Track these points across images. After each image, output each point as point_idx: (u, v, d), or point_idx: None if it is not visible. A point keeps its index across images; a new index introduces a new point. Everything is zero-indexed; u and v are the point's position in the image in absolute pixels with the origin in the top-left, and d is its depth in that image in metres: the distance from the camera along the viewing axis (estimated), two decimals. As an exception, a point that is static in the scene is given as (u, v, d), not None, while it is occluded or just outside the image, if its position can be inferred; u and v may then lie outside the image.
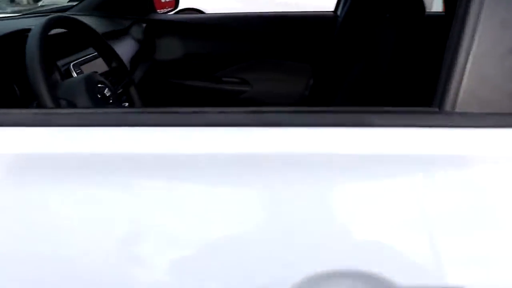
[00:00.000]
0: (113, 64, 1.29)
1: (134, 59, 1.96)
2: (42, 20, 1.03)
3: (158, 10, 2.38)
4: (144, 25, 2.16)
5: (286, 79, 2.32)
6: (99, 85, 1.11)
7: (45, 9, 2.07)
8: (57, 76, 1.26)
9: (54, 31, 1.20)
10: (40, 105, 0.90)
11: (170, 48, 2.31)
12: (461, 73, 0.69)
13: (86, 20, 1.99)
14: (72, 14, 2.03)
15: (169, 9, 2.50)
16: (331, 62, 2.25)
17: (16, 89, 1.22)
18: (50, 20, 1.03)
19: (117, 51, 1.83)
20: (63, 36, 1.38)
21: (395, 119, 0.73)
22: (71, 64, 1.38)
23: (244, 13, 2.34)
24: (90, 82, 1.08)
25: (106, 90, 1.12)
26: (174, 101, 2.41)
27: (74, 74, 1.36)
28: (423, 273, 0.72)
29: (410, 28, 1.56)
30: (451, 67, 0.70)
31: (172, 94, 2.37)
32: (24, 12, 1.96)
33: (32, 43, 0.94)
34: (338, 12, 2.26)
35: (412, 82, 1.52)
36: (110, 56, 1.28)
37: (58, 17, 1.06)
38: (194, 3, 6.44)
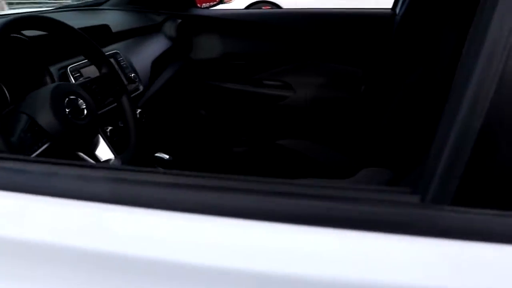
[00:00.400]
0: (103, 70, 1.12)
1: (164, 57, 1.80)
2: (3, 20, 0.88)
3: (200, 5, 2.21)
4: (179, 21, 1.99)
5: (334, 84, 2.06)
6: (71, 97, 0.94)
7: (80, 4, 1.96)
8: (48, 82, 1.13)
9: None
10: None
11: (207, 47, 2.13)
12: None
13: (115, 14, 1.87)
14: (105, 9, 1.92)
15: (213, 3, 2.32)
16: (386, 67, 1.97)
17: (6, 91, 1.10)
18: (10, 21, 0.88)
19: (144, 48, 1.70)
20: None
21: None
22: (68, 67, 1.23)
23: (290, 10, 2.11)
24: (57, 94, 0.92)
25: (80, 103, 0.96)
26: (209, 104, 2.23)
27: (72, 79, 1.21)
28: None
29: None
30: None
31: (207, 97, 2.20)
32: (56, 7, 1.86)
33: None
34: (397, 10, 1.96)
35: None
36: (99, 60, 1.12)
37: (21, 18, 0.91)
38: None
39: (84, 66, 1.29)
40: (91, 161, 0.96)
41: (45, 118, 0.88)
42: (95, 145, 1.01)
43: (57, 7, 1.94)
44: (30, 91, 0.98)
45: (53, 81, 1.13)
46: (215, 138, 2.25)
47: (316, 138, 1.94)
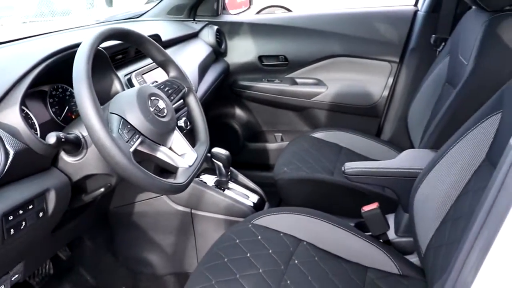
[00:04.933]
0: (171, 73, 1.25)
1: (205, 62, 1.94)
2: (92, 34, 1.00)
3: (231, 11, 2.34)
4: (215, 27, 2.13)
5: (364, 78, 2.18)
6: (152, 98, 1.07)
7: (121, 17, 2.10)
8: (117, 86, 1.25)
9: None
10: (87, 125, 0.88)
11: (241, 50, 2.26)
12: None
13: (157, 25, 2.01)
14: (145, 20, 2.05)
15: (244, 8, 2.45)
16: (413, 60, 2.08)
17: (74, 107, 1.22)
18: (100, 35, 1.00)
19: (187, 56, 1.82)
20: (125, 45, 1.37)
21: None
22: (133, 73, 1.36)
23: (317, 12, 2.23)
24: (141, 95, 1.04)
25: (159, 103, 1.08)
26: (245, 105, 2.36)
27: (136, 84, 1.34)
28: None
29: (499, 21, 1.38)
30: None
31: (244, 98, 2.33)
32: (95, 22, 2.00)
33: (79, 60, 0.92)
34: (419, 6, 2.08)
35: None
36: (168, 65, 1.24)
37: (109, 31, 1.03)
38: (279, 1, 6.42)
39: (146, 71, 1.43)
40: (173, 154, 1.08)
41: (135, 117, 1.00)
42: (172, 140, 1.13)
43: (99, 22, 2.07)
44: (104, 95, 1.09)
45: (121, 86, 1.26)
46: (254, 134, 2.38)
47: (349, 129, 2.06)
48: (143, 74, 1.40)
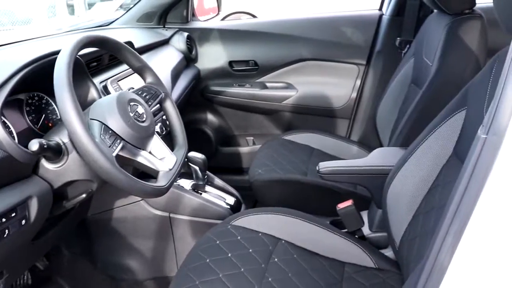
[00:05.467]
0: (148, 79, 1.27)
1: (177, 68, 1.95)
2: (71, 41, 1.01)
3: (200, 17, 2.37)
4: (186, 34, 2.15)
5: (332, 81, 2.24)
6: (131, 103, 1.08)
7: (90, 25, 2.10)
8: (94, 94, 1.26)
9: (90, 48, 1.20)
10: (70, 131, 0.89)
11: (212, 56, 2.29)
12: None
13: (129, 32, 2.02)
14: (115, 27, 2.05)
15: (213, 15, 2.48)
16: (379, 62, 2.15)
17: (56, 110, 1.22)
18: (78, 42, 1.02)
19: (159, 62, 1.84)
20: (100, 52, 1.38)
21: None
22: (109, 80, 1.37)
23: (286, 18, 2.28)
24: (121, 101, 1.06)
25: (139, 108, 1.10)
26: (217, 110, 2.38)
27: (112, 91, 1.35)
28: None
29: (460, 23, 1.45)
30: None
31: (215, 103, 2.35)
32: (66, 30, 1.99)
33: (60, 67, 0.93)
34: (384, 10, 2.16)
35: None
36: (144, 71, 1.26)
37: (87, 38, 1.05)
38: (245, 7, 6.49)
39: (120, 78, 1.44)
40: (153, 158, 1.10)
41: (115, 122, 1.01)
42: (152, 144, 1.15)
43: (67, 30, 2.06)
44: (81, 103, 1.10)
45: (98, 93, 1.26)
46: (226, 138, 2.41)
47: (320, 131, 2.11)
48: (118, 80, 1.41)
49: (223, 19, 6.21)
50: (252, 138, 2.45)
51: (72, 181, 1.04)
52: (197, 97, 2.33)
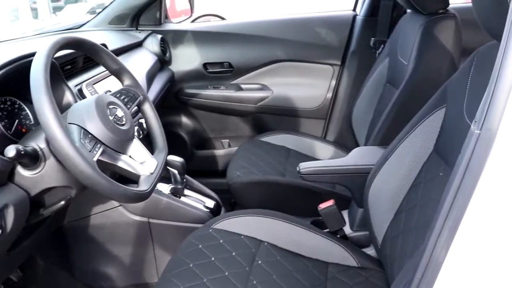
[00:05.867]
0: (126, 82, 1.24)
1: (152, 71, 1.92)
2: (47, 42, 0.98)
3: (173, 19, 2.34)
4: (159, 36, 2.12)
5: (307, 82, 2.25)
6: (110, 107, 1.05)
7: (59, 28, 2.04)
8: (69, 97, 1.22)
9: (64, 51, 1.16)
10: (49, 136, 0.86)
11: (186, 58, 2.27)
12: None
13: (101, 35, 1.98)
14: (86, 30, 2.00)
15: (186, 17, 2.46)
16: (354, 62, 2.17)
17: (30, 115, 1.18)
18: (55, 43, 0.98)
19: (133, 65, 1.80)
20: (74, 55, 1.34)
21: None
22: (84, 83, 1.33)
23: (260, 19, 2.28)
24: (100, 104, 1.03)
25: (118, 111, 1.07)
26: (192, 112, 2.36)
27: (88, 94, 1.32)
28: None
29: (435, 23, 1.48)
30: None
31: (190, 106, 2.33)
32: (38, 32, 1.93)
33: (37, 68, 0.90)
34: (357, 11, 2.18)
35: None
36: (122, 73, 1.23)
37: (64, 40, 1.01)
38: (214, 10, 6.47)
39: (97, 81, 1.40)
40: (134, 162, 1.07)
41: (95, 126, 0.98)
42: (132, 148, 1.12)
43: (38, 32, 2.01)
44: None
45: (73, 97, 1.23)
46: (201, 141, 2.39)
47: (296, 132, 2.12)
48: (93, 84, 1.38)
49: (193, 21, 6.17)
50: (227, 140, 2.44)
51: (50, 188, 1.00)
52: (172, 100, 2.30)
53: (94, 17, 2.10)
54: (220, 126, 2.40)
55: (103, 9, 2.09)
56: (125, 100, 1.18)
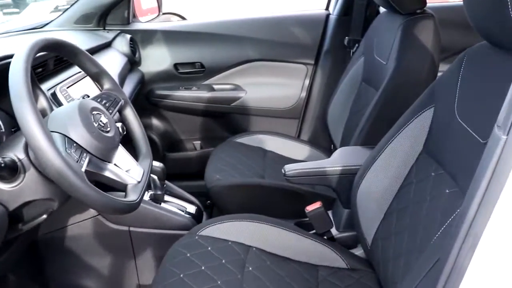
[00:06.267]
0: (106, 86, 1.18)
1: (123, 73, 1.85)
2: (24, 44, 0.91)
3: (140, 18, 2.26)
4: (128, 36, 2.05)
5: (281, 81, 2.22)
6: (94, 113, 0.99)
7: (21, 28, 1.93)
8: (43, 103, 1.15)
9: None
10: (34, 146, 0.79)
11: (156, 59, 2.20)
12: None
13: (67, 35, 1.88)
14: (51, 30, 1.91)
15: (154, 16, 2.38)
16: (328, 62, 2.17)
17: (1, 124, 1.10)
18: (34, 45, 0.92)
19: (106, 65, 1.72)
20: (45, 56, 1.27)
21: None
22: (57, 87, 1.26)
23: (232, 18, 2.24)
24: (83, 110, 0.97)
25: (102, 117, 1.01)
26: (162, 114, 2.29)
27: (62, 98, 1.24)
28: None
29: (415, 22, 1.48)
30: None
31: (161, 107, 2.26)
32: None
33: (16, 73, 0.83)
34: (331, 10, 2.17)
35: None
36: (102, 77, 1.17)
37: (43, 42, 0.95)
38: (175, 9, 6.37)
39: (71, 84, 1.33)
40: (120, 170, 1.02)
41: (79, 134, 0.92)
42: (117, 156, 1.06)
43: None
44: None
45: (48, 102, 1.15)
46: (173, 144, 2.32)
47: (270, 132, 2.10)
48: (67, 87, 1.30)
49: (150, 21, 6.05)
50: (199, 142, 2.38)
51: (30, 201, 0.94)
52: (142, 102, 2.22)
53: (59, 16, 1.99)
54: (192, 128, 2.34)
55: (68, 8, 1.99)
56: (107, 104, 1.12)
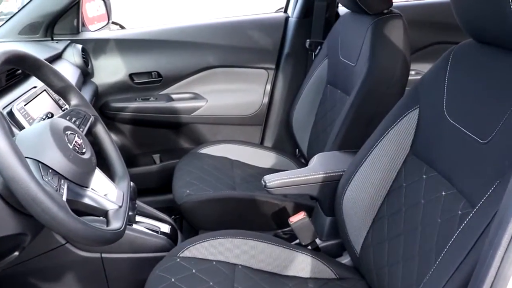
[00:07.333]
0: (73, 101, 1.07)
1: (77, 86, 1.72)
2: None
3: (90, 27, 2.13)
4: (80, 46, 1.91)
5: (242, 88, 2.16)
6: (67, 133, 0.89)
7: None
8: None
9: None
10: (9, 177, 0.69)
11: (110, 69, 2.07)
12: None
13: (12, 47, 1.73)
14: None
15: (103, 24, 2.25)
16: (289, 65, 2.13)
17: None
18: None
19: (70, 81, 1.60)
20: None
21: None
22: (14, 105, 1.14)
23: (188, 24, 2.15)
24: (56, 131, 0.86)
25: (76, 138, 0.91)
26: (119, 128, 2.16)
27: (21, 118, 1.12)
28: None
29: (384, 22, 1.47)
30: None
31: (117, 121, 2.13)
32: None
33: None
34: (289, 13, 2.14)
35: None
36: (69, 92, 1.06)
37: (4, 55, 0.84)
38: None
39: (28, 101, 1.21)
40: (98, 196, 0.92)
41: (54, 158, 0.82)
42: (93, 179, 0.96)
43: None
44: None
45: (6, 122, 1.03)
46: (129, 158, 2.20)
47: (234, 141, 2.03)
48: (25, 105, 1.18)
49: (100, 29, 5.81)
50: (158, 155, 2.27)
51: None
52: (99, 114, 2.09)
53: (0, 26, 1.83)
54: (151, 141, 2.23)
55: (11, 17, 1.83)
56: (77, 123, 1.01)
